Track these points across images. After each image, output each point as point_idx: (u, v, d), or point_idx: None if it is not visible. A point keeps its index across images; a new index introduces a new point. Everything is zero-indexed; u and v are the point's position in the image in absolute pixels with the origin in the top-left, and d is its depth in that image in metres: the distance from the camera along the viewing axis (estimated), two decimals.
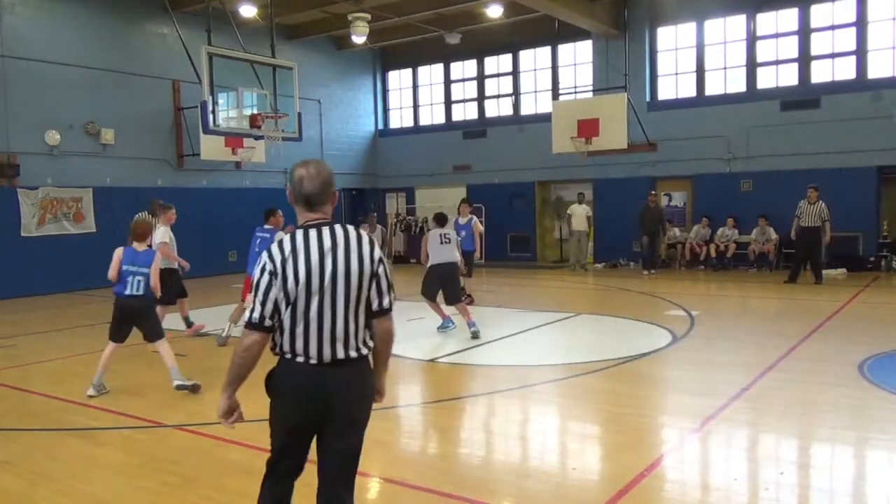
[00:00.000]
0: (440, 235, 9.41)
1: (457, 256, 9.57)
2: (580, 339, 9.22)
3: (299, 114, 13.45)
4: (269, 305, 2.76)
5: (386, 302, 2.93)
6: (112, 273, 6.51)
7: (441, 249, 9.35)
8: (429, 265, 9.43)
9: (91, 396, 6.46)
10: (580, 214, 17.37)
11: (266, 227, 8.87)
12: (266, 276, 2.77)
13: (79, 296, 11.84)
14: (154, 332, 6.67)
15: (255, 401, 6.54)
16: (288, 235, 2.85)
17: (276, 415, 2.92)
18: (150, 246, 6.84)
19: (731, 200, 16.61)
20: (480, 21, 18.31)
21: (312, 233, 2.83)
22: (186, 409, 6.03)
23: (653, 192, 16.45)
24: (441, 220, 9.68)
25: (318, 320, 2.78)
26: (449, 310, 9.43)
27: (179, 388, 6.48)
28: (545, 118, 17.43)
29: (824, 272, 13.81)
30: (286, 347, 2.82)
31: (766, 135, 16.27)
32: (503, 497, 4.17)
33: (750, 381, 6.43)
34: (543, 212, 19.99)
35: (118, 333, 6.57)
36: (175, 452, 5.02)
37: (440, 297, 9.42)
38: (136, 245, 6.56)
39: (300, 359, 2.81)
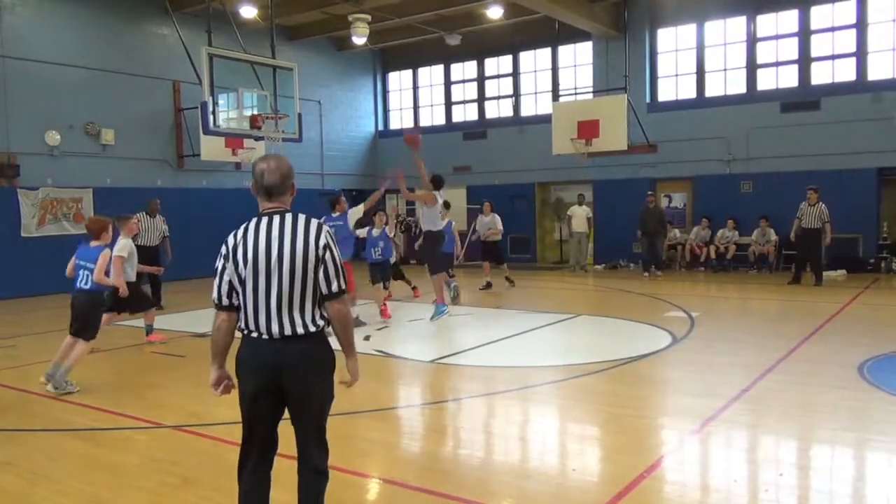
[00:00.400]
0: (443, 203, 9.78)
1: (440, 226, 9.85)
2: (580, 341, 9.22)
3: (299, 115, 13.47)
4: (225, 287, 3.10)
5: (335, 286, 3.14)
6: (68, 269, 7.02)
7: (438, 221, 9.62)
8: (425, 231, 9.61)
9: (43, 384, 6.63)
10: (580, 216, 17.36)
11: (334, 215, 9.49)
12: (221, 261, 3.12)
13: None
14: (83, 329, 6.79)
15: None
16: (244, 224, 3.13)
17: (240, 390, 3.16)
18: (108, 245, 7.07)
19: (731, 202, 16.62)
20: (481, 22, 18.33)
21: (264, 220, 3.11)
22: (185, 410, 6.02)
23: (651, 193, 16.38)
24: (438, 182, 9.94)
25: (266, 298, 3.05)
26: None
27: (44, 382, 6.65)
28: (545, 119, 17.43)
29: (824, 274, 13.81)
30: (243, 324, 3.12)
31: (766, 136, 16.28)
32: (503, 498, 4.16)
33: (750, 383, 6.43)
34: (543, 213, 20.00)
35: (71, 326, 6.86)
36: (174, 453, 5.02)
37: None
38: (93, 242, 6.89)
39: (255, 334, 3.10)
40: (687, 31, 17.55)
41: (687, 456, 4.87)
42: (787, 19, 16.32)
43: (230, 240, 3.11)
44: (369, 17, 16.99)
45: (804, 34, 16.14)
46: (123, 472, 4.68)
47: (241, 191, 18.01)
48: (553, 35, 17.74)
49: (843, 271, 14.69)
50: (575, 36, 18.06)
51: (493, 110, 20.86)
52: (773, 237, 15.83)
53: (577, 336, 9.57)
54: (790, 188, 15.68)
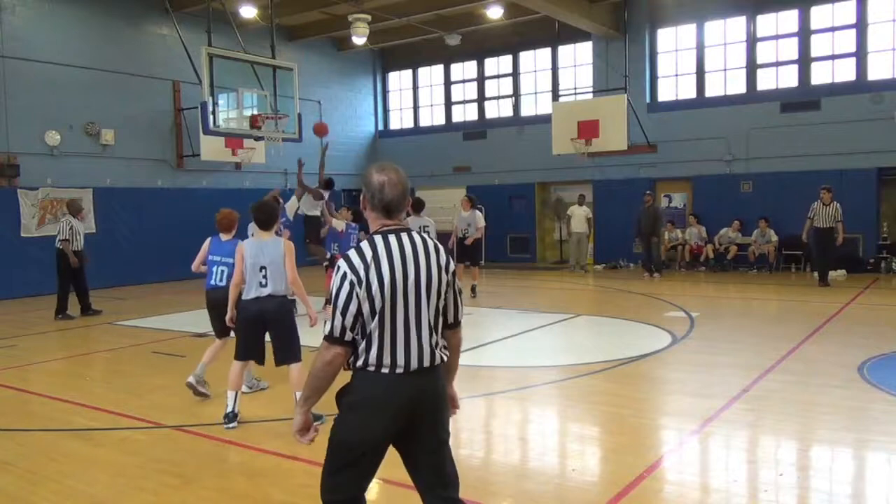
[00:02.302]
0: (420, 228, 8.95)
1: None
2: (580, 341, 9.22)
3: (299, 115, 13.44)
4: (350, 317, 2.65)
5: (460, 313, 2.93)
6: (196, 264, 6.49)
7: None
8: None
9: (189, 385, 6.18)
10: (580, 216, 17.35)
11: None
12: (347, 286, 2.64)
13: None
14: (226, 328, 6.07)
15: (254, 401, 6.53)
16: (366, 241, 2.75)
17: (351, 430, 2.72)
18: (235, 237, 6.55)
19: (730, 202, 16.61)
20: (480, 22, 18.33)
21: (392, 238, 2.74)
22: (186, 410, 6.02)
23: (648, 193, 16.21)
24: (419, 206, 9.15)
25: (405, 327, 2.70)
26: None
27: (251, 389, 6.34)
28: (545, 119, 17.44)
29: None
30: (371, 359, 2.69)
31: (766, 136, 16.27)
32: (503, 498, 4.17)
33: (750, 383, 6.43)
34: (543, 213, 20.00)
35: (218, 330, 6.28)
36: (174, 453, 5.02)
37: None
38: (221, 236, 6.42)
39: (385, 369, 2.69)
40: (687, 31, 17.54)
41: (687, 456, 4.87)
42: (787, 19, 16.31)
43: (357, 262, 2.66)
44: (369, 17, 16.98)
45: (804, 34, 16.13)
46: (123, 472, 4.68)
47: (242, 191, 18.03)
48: (553, 35, 17.74)
49: (843, 271, 14.68)
50: (575, 36, 18.06)
51: (493, 110, 20.85)
52: (774, 238, 15.81)
53: (577, 336, 9.57)
54: (790, 188, 15.69)
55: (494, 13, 17.09)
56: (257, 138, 13.51)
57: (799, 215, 14.98)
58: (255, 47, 14.77)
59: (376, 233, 2.77)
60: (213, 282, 6.25)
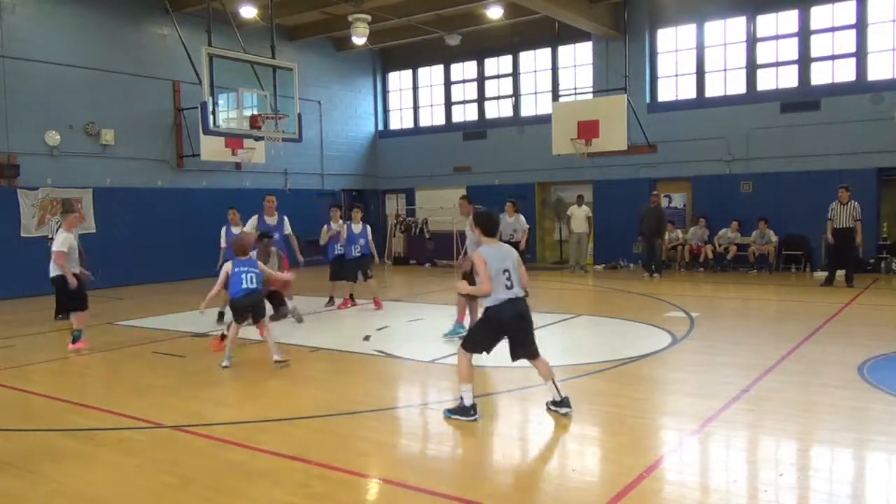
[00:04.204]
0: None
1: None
2: (580, 341, 9.22)
3: (299, 115, 13.44)
4: None
5: None
6: (218, 288, 7.78)
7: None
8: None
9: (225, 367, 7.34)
10: (579, 216, 17.36)
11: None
12: None
13: None
14: (263, 313, 7.73)
15: (254, 401, 6.52)
16: None
17: None
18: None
19: (730, 202, 16.61)
20: (480, 22, 18.34)
21: None
22: (185, 410, 6.02)
23: (655, 193, 16.28)
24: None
25: None
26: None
27: (279, 363, 7.28)
28: (545, 119, 17.44)
29: (821, 274, 13.78)
30: None
31: (766, 136, 16.28)
32: (502, 498, 4.16)
33: (749, 383, 6.42)
34: (543, 213, 20.00)
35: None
36: (174, 453, 5.02)
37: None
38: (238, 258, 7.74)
39: None
40: (687, 31, 17.55)
41: (687, 456, 4.87)
42: (787, 19, 16.32)
43: None
44: (369, 17, 16.99)
45: (804, 34, 16.14)
46: (123, 472, 4.68)
47: (241, 191, 18.05)
48: (553, 35, 17.74)
49: (843, 271, 14.66)
50: (575, 36, 18.07)
51: (493, 110, 20.86)
52: (773, 238, 15.81)
53: (577, 336, 9.57)
54: (790, 188, 15.70)
55: (494, 13, 17.10)
56: (257, 138, 13.51)
57: (798, 216, 15.03)
58: (255, 47, 14.76)
59: None
60: (244, 286, 7.51)
